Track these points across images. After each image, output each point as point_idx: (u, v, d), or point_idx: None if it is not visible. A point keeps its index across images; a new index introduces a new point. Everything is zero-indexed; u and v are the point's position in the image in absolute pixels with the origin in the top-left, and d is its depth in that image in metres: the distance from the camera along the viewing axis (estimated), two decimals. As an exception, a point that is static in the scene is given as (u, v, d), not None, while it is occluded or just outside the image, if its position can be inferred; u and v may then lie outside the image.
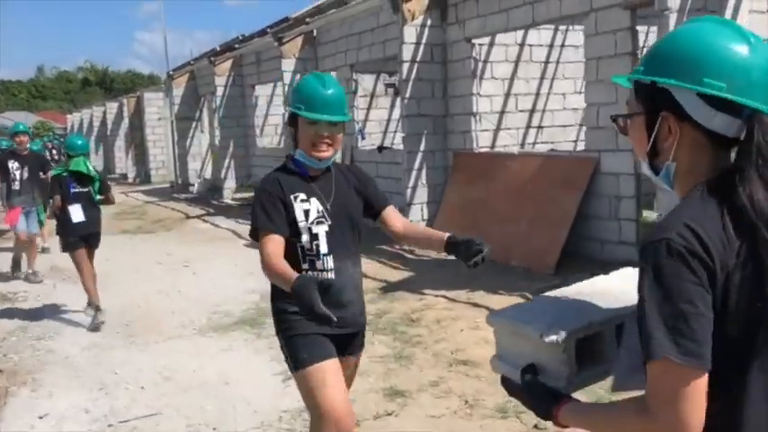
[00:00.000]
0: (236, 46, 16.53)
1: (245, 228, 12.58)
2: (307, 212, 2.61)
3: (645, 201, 7.79)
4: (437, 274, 7.71)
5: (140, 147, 27.24)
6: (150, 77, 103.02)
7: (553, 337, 1.44)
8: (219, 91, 16.65)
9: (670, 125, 1.22)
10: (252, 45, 15.85)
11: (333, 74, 12.98)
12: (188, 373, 5.07)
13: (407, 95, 9.33)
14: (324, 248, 2.62)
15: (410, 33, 9.23)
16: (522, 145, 10.48)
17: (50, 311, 7.00)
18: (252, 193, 16.08)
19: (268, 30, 15.84)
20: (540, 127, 10.67)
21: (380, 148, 11.49)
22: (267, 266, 2.46)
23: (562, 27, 10.53)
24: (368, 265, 8.52)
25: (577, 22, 9.16)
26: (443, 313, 6.10)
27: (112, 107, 30.49)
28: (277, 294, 2.65)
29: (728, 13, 5.90)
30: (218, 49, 19.08)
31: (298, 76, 12.98)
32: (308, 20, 12.73)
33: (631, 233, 7.07)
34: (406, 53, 9.25)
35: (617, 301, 1.57)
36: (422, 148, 9.48)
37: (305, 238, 2.60)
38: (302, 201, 2.62)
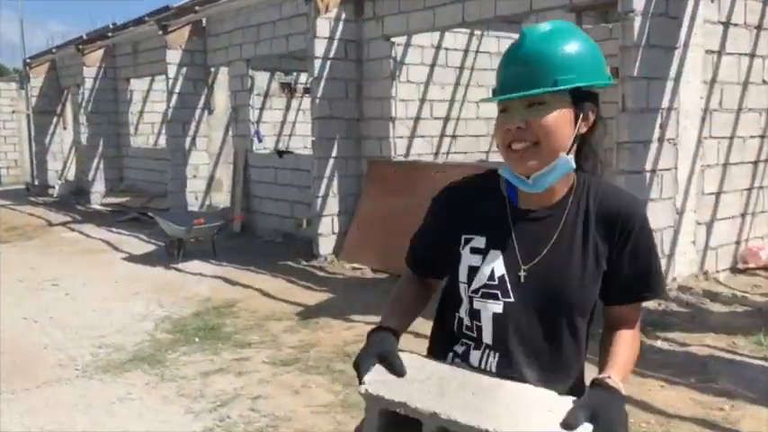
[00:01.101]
0: (109, 34, 14.82)
1: (121, 238, 11.23)
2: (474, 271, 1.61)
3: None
4: (361, 294, 6.92)
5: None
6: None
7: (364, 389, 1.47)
8: (88, 83, 14.86)
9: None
10: (127, 34, 14.26)
11: (224, 70, 11.85)
12: (77, 435, 3.94)
13: (319, 95, 8.47)
14: (487, 337, 1.61)
15: (323, 27, 8.39)
16: (437, 154, 9.93)
17: None
18: (124, 198, 14.55)
19: (147, 18, 14.36)
20: (454, 136, 10.17)
21: (280, 153, 10.51)
22: None
23: (477, 32, 10.11)
24: (273, 283, 7.59)
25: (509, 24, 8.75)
26: (383, 344, 5.31)
27: (-47, 97, 26.91)
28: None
29: (686, 21, 5.61)
30: (84, 37, 17.16)
31: (185, 70, 11.73)
32: (197, 8, 11.49)
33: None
34: (319, 49, 8.40)
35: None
36: (333, 153, 8.65)
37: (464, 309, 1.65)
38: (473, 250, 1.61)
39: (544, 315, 1.55)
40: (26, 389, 4.62)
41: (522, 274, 1.55)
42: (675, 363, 4.70)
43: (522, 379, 1.53)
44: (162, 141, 16.03)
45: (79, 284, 7.80)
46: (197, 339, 5.65)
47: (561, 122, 1.47)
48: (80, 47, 14.76)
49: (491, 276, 1.57)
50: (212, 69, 12.09)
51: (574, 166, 1.52)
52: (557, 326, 1.56)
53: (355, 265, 8.27)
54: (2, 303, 6.92)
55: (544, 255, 1.55)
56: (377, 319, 1.77)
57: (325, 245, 8.67)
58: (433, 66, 9.74)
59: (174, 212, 10.12)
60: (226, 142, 12.54)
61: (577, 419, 1.29)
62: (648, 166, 5.69)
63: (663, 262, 5.48)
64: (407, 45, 9.34)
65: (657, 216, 5.68)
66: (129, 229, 11.68)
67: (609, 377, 1.42)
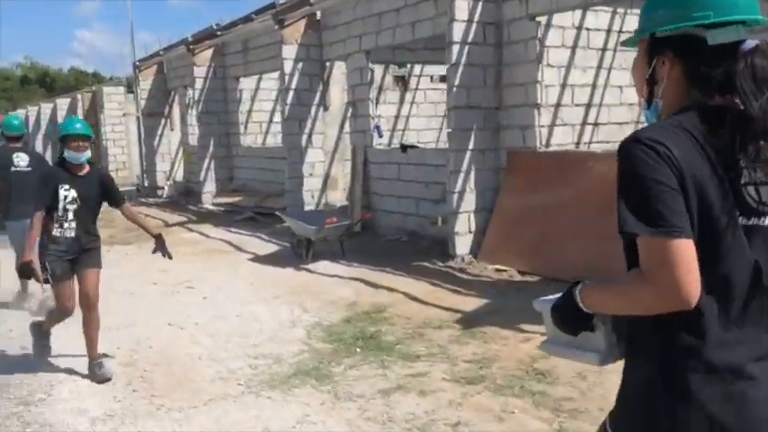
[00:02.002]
0: (218, 33, 14.77)
1: (242, 238, 11.00)
2: None
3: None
4: (518, 299, 6.26)
5: (96, 146, 25.03)
6: (95, 75, 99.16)
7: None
8: (198, 83, 14.85)
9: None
10: (237, 32, 14.14)
11: (339, 65, 11.45)
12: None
13: (456, 83, 7.86)
14: None
15: (462, 9, 7.77)
16: (578, 144, 9.14)
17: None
18: (236, 198, 14.44)
19: (253, 16, 14.22)
20: (596, 124, 9.34)
21: (404, 147, 9.97)
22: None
23: (620, 10, 9.24)
24: (416, 286, 7.04)
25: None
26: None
27: (63, 103, 28.02)
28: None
29: None
30: (190, 38, 17.26)
31: (300, 65, 11.39)
32: (312, 1, 11.13)
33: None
34: (457, 33, 7.79)
35: None
36: (470, 146, 8.03)
37: None
38: None
39: None
40: (193, 406, 4.23)
41: None
42: None
43: None
44: (270, 140, 15.90)
45: (214, 287, 7.50)
46: (358, 350, 5.16)
47: None
48: (190, 47, 14.75)
49: None
50: (327, 64, 11.71)
51: None
52: None
53: (498, 267, 7.62)
54: (141, 308, 6.68)
55: None
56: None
57: (462, 244, 8.06)
58: (574, 48, 8.95)
59: (303, 211, 9.76)
60: (341, 139, 12.16)
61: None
62: None
63: None
64: (548, 26, 8.58)
65: None
66: (247, 229, 11.47)
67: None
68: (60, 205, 4.62)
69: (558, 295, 1.59)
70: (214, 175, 15.11)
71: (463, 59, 7.83)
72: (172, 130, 18.62)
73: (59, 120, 27.88)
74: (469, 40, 7.86)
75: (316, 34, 11.44)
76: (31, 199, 6.09)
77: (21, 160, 6.68)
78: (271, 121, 15.89)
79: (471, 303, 6.34)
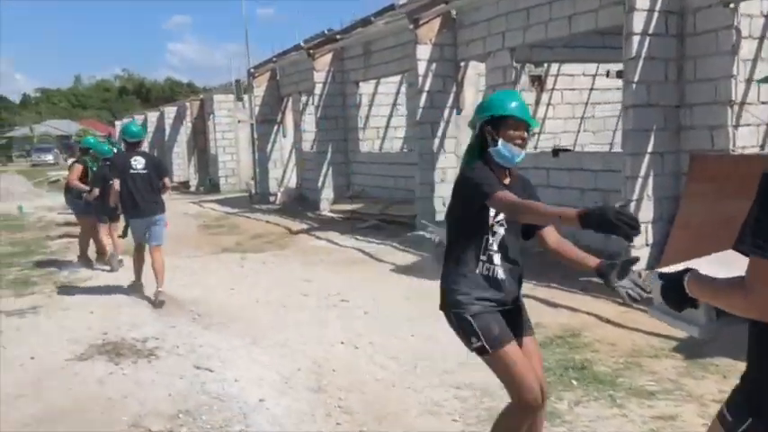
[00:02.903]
0: (338, 37, 14.47)
1: (377, 248, 10.51)
2: None
3: None
4: (736, 326, 5.40)
5: (203, 153, 25.43)
6: (189, 85, 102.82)
7: None
8: (318, 88, 14.57)
9: None
10: (358, 35, 13.77)
11: (473, 65, 10.83)
12: None
13: (636, 79, 7.08)
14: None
15: (643, -3, 6.99)
16: (763, 147, 8.14)
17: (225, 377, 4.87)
18: (356, 205, 14.00)
19: (372, 18, 13.85)
20: (786, 123, 8.30)
21: (556, 151, 9.23)
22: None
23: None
24: (597, 305, 6.29)
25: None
26: None
27: (170, 111, 28.74)
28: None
29: None
30: (302, 44, 17.10)
31: (434, 66, 10.85)
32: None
33: None
34: (637, 23, 7.01)
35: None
36: (649, 148, 7.22)
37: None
38: None
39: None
40: (414, 448, 3.67)
41: None
42: None
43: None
44: (386, 145, 15.46)
45: (369, 300, 7.00)
46: (574, 382, 4.49)
47: None
48: (310, 51, 14.50)
49: None
50: (461, 64, 11.12)
51: None
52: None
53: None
54: (307, 324, 6.24)
55: None
56: None
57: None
58: (762, 38, 7.97)
59: None
60: (474, 143, 11.52)
61: None
62: None
63: None
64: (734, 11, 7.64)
65: None
66: (376, 237, 11.00)
67: None
68: None
69: (675, 270, 1.86)
70: (332, 182, 14.78)
71: (644, 52, 7.04)
72: (284, 136, 18.52)
73: (166, 127, 28.62)
74: (650, 31, 7.06)
75: (450, 33, 10.87)
76: (149, 198, 7.18)
77: (138, 163, 7.25)
78: (387, 126, 15.46)
79: (670, 329, 5.54)
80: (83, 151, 9.67)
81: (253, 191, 19.15)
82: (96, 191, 8.72)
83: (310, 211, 15.11)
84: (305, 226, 13.05)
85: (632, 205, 7.21)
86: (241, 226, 13.70)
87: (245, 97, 22.40)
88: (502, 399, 4.20)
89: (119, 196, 7.37)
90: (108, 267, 9.00)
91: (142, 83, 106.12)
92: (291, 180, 18.24)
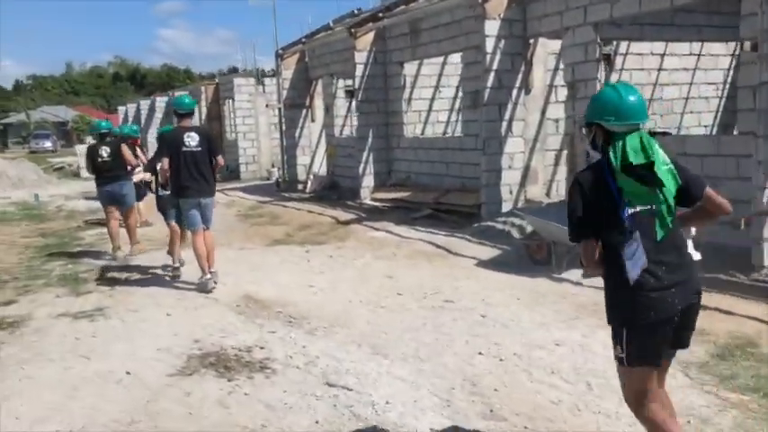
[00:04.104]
0: (380, 15, 13.64)
1: (447, 240, 9.52)
2: None
3: None
4: None
5: (219, 138, 24.53)
6: (186, 72, 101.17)
7: None
8: (359, 70, 13.74)
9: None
10: (405, 12, 12.93)
11: (543, 42, 10.07)
12: None
13: (773, 53, 6.34)
14: None
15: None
16: None
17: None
18: (403, 193, 13.20)
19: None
20: None
21: (654, 134, 8.47)
22: None
23: None
24: (751, 307, 5.60)
25: None
26: None
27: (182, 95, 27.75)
28: None
29: None
30: (331, 24, 16.26)
31: (502, 43, 10.07)
32: (517, -30, 9.79)
33: None
34: (777, -10, 6.26)
35: None
36: (784, 130, 6.49)
37: None
38: None
39: None
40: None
41: None
42: None
43: None
44: (429, 130, 14.69)
45: (476, 302, 6.27)
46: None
47: None
48: (352, 30, 13.66)
49: None
50: (531, 41, 10.35)
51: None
52: None
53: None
54: (417, 328, 5.52)
55: None
56: None
57: (771, 253, 6.56)
58: None
59: (543, 209, 8.40)
60: (542, 126, 10.78)
61: None
62: None
63: None
64: None
65: None
66: (439, 228, 10.26)
67: None
68: None
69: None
70: (372, 169, 14.00)
71: (782, 23, 6.30)
72: (313, 121, 17.69)
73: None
74: (789, -2, 6.32)
75: (519, 8, 10.09)
76: (200, 176, 6.80)
77: (191, 140, 6.88)
78: (430, 109, 14.66)
79: None
80: (101, 136, 9.13)
81: (277, 178, 18.33)
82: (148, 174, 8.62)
83: (348, 199, 14.35)
84: (351, 216, 12.29)
85: (765, 194, 6.51)
86: (281, 215, 12.91)
87: (272, 81, 21.58)
88: (716, 429, 3.52)
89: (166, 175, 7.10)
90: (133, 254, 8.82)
91: (137, 69, 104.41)
92: (320, 167, 17.43)
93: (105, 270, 8.17)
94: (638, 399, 2.79)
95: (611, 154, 2.68)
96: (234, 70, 58.19)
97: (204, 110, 24.34)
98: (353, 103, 14.41)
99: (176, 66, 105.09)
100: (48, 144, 50.26)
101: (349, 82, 17.51)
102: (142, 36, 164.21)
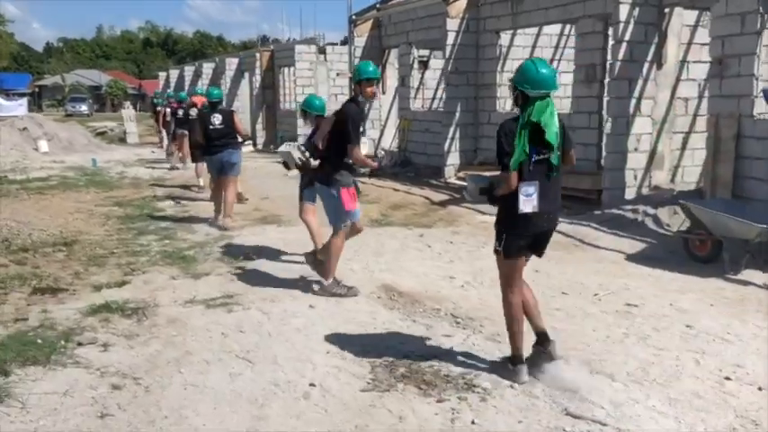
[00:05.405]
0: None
1: (575, 229, 8.50)
2: None
3: None
4: None
5: (271, 109, 23.69)
6: (219, 39, 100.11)
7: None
8: (450, 38, 12.76)
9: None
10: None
11: (679, 11, 9.00)
12: None
13: None
14: None
15: None
16: None
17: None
18: (488, 173, 12.28)
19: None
20: None
21: None
22: None
23: None
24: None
25: None
26: None
27: (232, 63, 26.93)
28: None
29: None
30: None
31: (636, 11, 9.06)
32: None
33: None
34: None
35: None
36: None
37: None
38: None
39: None
40: None
41: None
42: None
43: None
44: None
45: (669, 308, 5.39)
46: None
47: None
48: (445, -5, 12.66)
49: None
50: (666, 11, 9.32)
51: None
52: None
53: None
54: (623, 342, 4.67)
55: None
56: None
57: None
58: None
59: (729, 203, 7.40)
60: (671, 106, 9.78)
61: None
62: None
63: None
64: None
65: None
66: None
67: None
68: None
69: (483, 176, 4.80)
70: (458, 146, 13.09)
71: None
72: (383, 93, 16.75)
73: (227, 80, 26.83)
74: None
75: (656, -31, 9.05)
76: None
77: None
78: (520, 84, 13.63)
79: None
80: (212, 104, 9.01)
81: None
82: None
83: (426, 177, 13.46)
84: (443, 196, 11.40)
85: None
86: (366, 192, 12.06)
87: (332, 49, 20.63)
88: None
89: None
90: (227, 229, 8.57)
91: (169, 35, 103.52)
92: (392, 142, 16.53)
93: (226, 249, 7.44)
94: (507, 282, 4.00)
95: (524, 113, 3.65)
96: (265, 39, 57.18)
97: (258, 78, 23.49)
98: (427, 74, 13.44)
99: (209, 32, 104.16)
100: (84, 108, 49.73)
101: (423, 52, 16.64)
102: (171, 3, 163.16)
